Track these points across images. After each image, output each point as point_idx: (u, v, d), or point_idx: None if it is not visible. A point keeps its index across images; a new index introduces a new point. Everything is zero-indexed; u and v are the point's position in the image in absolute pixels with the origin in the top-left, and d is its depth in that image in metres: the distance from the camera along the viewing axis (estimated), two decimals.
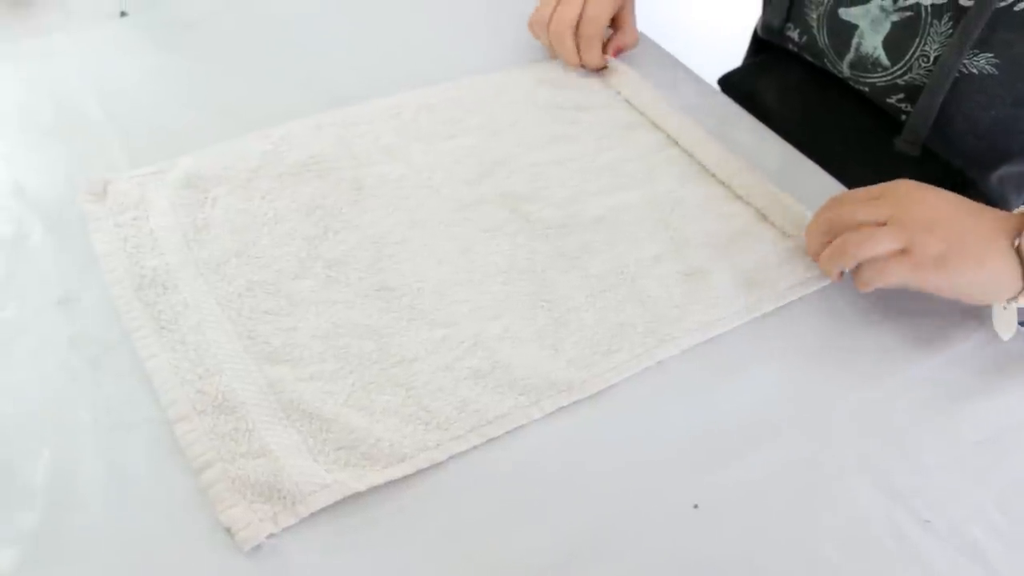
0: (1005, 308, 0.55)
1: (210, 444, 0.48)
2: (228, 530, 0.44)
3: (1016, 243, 0.53)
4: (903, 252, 0.53)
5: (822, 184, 0.68)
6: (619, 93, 0.76)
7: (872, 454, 0.50)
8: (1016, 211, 0.55)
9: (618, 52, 0.79)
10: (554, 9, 0.76)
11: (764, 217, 0.64)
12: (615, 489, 0.48)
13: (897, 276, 0.53)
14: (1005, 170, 0.70)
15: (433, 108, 0.72)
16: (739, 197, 0.66)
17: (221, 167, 0.65)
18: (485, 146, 0.69)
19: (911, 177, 0.71)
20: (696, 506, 0.47)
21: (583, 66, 0.78)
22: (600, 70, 0.78)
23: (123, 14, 0.84)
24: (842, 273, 0.58)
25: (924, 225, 0.53)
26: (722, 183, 0.67)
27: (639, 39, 0.80)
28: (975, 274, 0.52)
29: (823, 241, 0.57)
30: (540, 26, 0.77)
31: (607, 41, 0.78)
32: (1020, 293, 0.53)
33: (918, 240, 0.52)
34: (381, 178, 0.65)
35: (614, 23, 0.78)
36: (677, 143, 0.71)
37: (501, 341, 0.54)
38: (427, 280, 0.58)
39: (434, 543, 0.45)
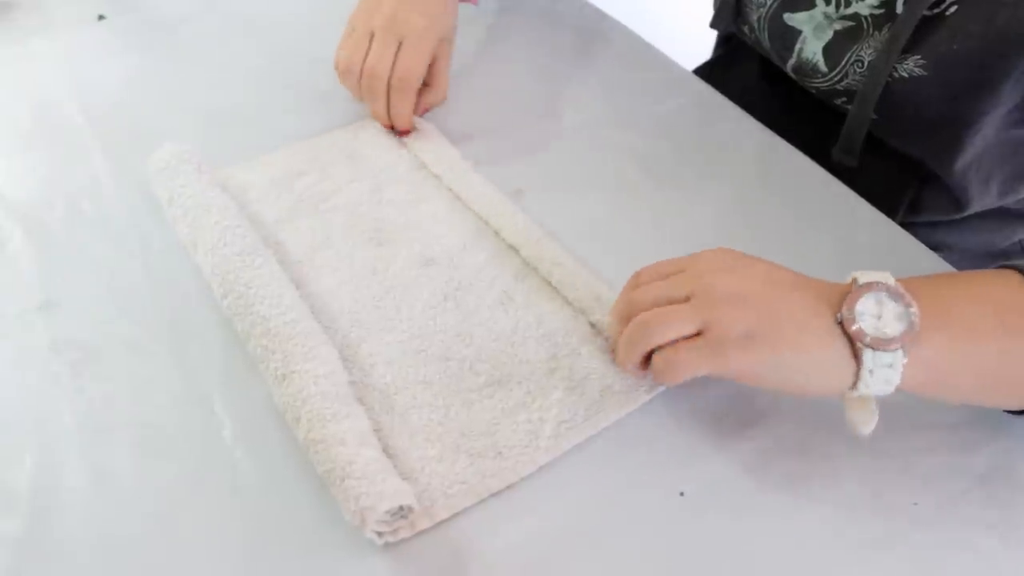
0: (859, 395, 0.44)
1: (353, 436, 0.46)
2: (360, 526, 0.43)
3: (838, 317, 0.43)
4: (700, 335, 0.44)
5: (804, 170, 0.68)
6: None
7: (859, 438, 0.50)
8: (849, 278, 0.45)
9: (425, 111, 0.71)
10: (364, 58, 0.66)
11: None
12: (602, 477, 0.48)
13: (691, 365, 0.44)
14: (963, 161, 0.68)
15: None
16: None
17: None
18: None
19: (871, 173, 0.70)
20: (682, 493, 0.47)
21: (390, 127, 0.69)
22: (405, 133, 0.69)
23: (101, 17, 0.84)
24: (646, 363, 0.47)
25: (727, 299, 0.44)
26: None
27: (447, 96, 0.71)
28: (794, 358, 0.43)
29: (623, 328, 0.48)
30: (350, 76, 0.68)
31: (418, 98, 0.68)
32: (857, 380, 0.43)
33: (718, 317, 0.43)
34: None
35: (427, 75, 0.68)
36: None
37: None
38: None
39: (416, 536, 0.45)
